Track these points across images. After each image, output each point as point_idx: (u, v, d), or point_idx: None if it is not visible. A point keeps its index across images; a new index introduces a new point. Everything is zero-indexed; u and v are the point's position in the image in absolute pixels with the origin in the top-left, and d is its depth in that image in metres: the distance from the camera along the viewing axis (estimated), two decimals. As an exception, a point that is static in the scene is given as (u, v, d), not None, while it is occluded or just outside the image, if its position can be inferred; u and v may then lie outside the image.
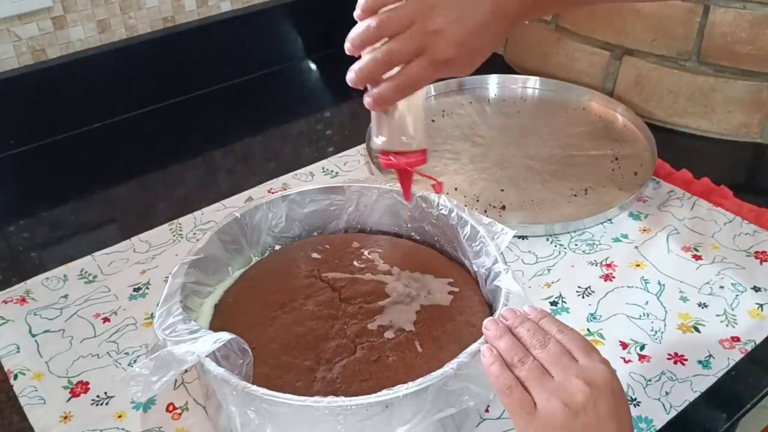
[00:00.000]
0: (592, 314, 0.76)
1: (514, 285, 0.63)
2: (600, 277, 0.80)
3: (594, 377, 0.50)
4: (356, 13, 0.61)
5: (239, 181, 0.96)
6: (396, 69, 0.60)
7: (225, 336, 0.58)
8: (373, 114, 0.65)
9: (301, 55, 1.27)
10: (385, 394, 0.54)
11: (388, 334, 0.65)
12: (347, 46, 0.61)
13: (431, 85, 1.13)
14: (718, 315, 0.76)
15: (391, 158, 0.66)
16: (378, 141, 0.66)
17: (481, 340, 0.57)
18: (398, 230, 0.79)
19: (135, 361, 0.71)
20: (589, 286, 0.79)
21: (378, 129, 0.66)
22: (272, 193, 0.93)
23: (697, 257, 0.83)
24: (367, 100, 0.62)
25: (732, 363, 0.70)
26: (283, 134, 1.10)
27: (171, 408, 0.67)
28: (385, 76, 0.61)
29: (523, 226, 0.85)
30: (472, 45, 0.61)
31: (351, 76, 0.61)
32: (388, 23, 0.59)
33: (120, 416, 0.66)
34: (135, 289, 0.80)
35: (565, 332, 0.54)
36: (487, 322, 0.57)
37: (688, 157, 0.99)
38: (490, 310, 0.68)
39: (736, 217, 0.88)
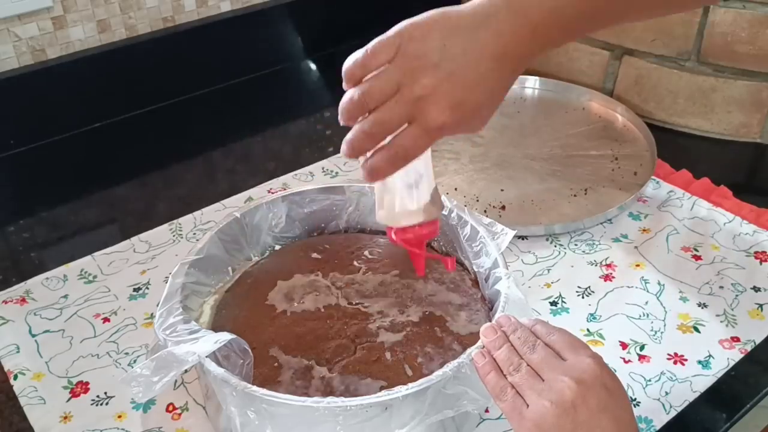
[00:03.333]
0: (591, 314, 0.76)
1: (514, 290, 0.63)
2: (600, 277, 0.80)
3: (582, 373, 0.51)
4: (343, 84, 0.56)
5: (239, 181, 0.96)
6: (389, 138, 0.55)
7: (226, 336, 0.58)
8: (375, 185, 0.60)
9: (301, 55, 1.27)
10: (384, 395, 0.54)
11: (388, 335, 0.65)
12: (339, 117, 0.56)
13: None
14: (717, 315, 0.76)
15: (392, 235, 0.61)
16: (379, 214, 0.61)
17: (479, 344, 0.57)
18: (398, 230, 0.79)
19: (135, 361, 0.71)
20: (589, 286, 0.79)
21: (379, 201, 0.61)
22: (272, 193, 0.93)
23: (697, 257, 0.83)
24: (361, 173, 0.57)
25: (732, 363, 0.70)
26: (283, 134, 1.10)
27: (171, 408, 0.67)
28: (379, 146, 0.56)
29: (523, 226, 0.85)
30: (470, 104, 0.54)
31: (343, 148, 0.56)
32: (370, 93, 0.54)
33: (120, 416, 0.66)
34: (135, 289, 0.80)
35: (553, 333, 0.55)
36: (485, 329, 0.57)
37: (687, 157, 0.99)
38: (490, 310, 0.68)
39: (736, 217, 0.88)
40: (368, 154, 0.57)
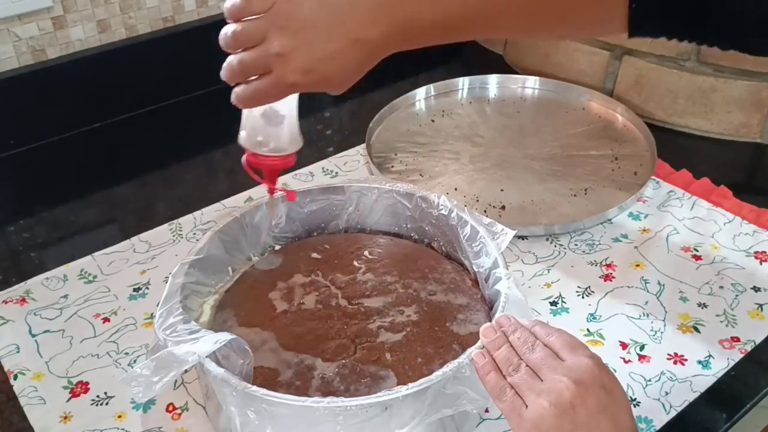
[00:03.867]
0: (591, 314, 0.76)
1: (514, 290, 0.64)
2: (600, 277, 0.80)
3: (580, 374, 0.51)
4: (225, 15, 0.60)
5: (239, 181, 0.96)
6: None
7: (226, 336, 0.58)
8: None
9: (301, 55, 1.26)
10: (384, 395, 0.54)
11: (388, 335, 0.65)
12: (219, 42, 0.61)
13: (431, 85, 1.13)
14: (717, 315, 0.76)
15: (247, 158, 0.66)
16: (241, 135, 0.66)
17: (478, 344, 0.57)
18: (398, 230, 0.79)
19: (135, 361, 0.71)
20: (589, 286, 0.79)
21: (243, 124, 0.66)
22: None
23: (697, 257, 0.83)
24: (232, 95, 0.61)
25: (732, 363, 0.70)
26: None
27: (171, 408, 0.67)
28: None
29: (522, 226, 0.85)
30: (321, 72, 0.59)
31: (221, 71, 0.61)
32: (239, 35, 0.58)
33: (120, 416, 0.66)
34: (135, 289, 0.80)
35: (552, 334, 0.55)
36: (484, 329, 0.57)
37: (687, 157, 0.99)
38: (490, 310, 0.68)
39: (736, 217, 0.88)
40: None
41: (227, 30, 0.59)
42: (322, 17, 0.57)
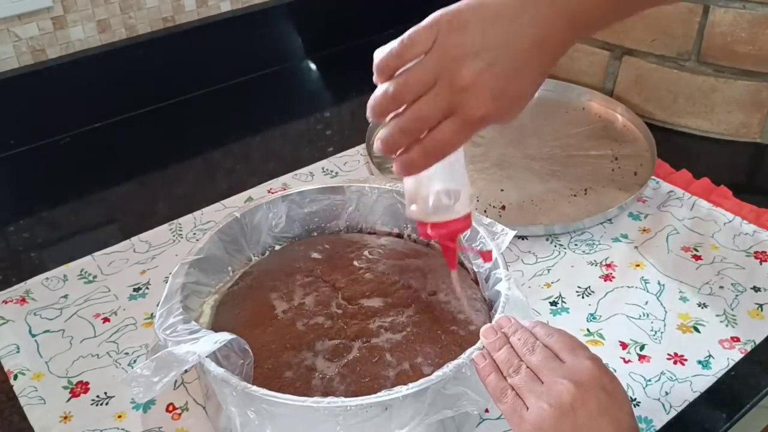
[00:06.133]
0: (591, 314, 0.76)
1: (514, 291, 0.63)
2: (600, 278, 0.80)
3: (580, 375, 0.51)
4: (374, 78, 0.54)
5: (239, 181, 0.96)
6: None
7: (226, 336, 0.58)
8: (405, 179, 0.58)
9: (301, 55, 1.27)
10: (384, 395, 0.54)
11: (389, 335, 0.65)
12: (368, 113, 0.54)
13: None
14: (717, 315, 0.76)
15: (428, 230, 0.59)
16: (411, 210, 0.59)
17: (479, 344, 0.57)
18: (398, 230, 0.79)
19: (135, 361, 0.71)
20: (589, 286, 0.79)
21: (410, 196, 0.59)
22: (272, 193, 0.93)
23: (697, 257, 0.83)
24: (395, 166, 0.55)
25: (732, 363, 0.70)
26: (283, 134, 1.10)
27: (171, 408, 0.67)
28: None
29: (523, 226, 0.85)
30: (511, 93, 0.53)
31: (378, 145, 0.54)
32: (407, 87, 0.52)
33: (120, 416, 0.66)
34: (135, 289, 0.80)
35: (553, 335, 0.55)
36: (485, 330, 0.57)
37: (687, 157, 0.99)
38: (490, 310, 0.68)
39: (736, 217, 0.88)
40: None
41: (386, 89, 0.52)
42: (495, 34, 0.52)
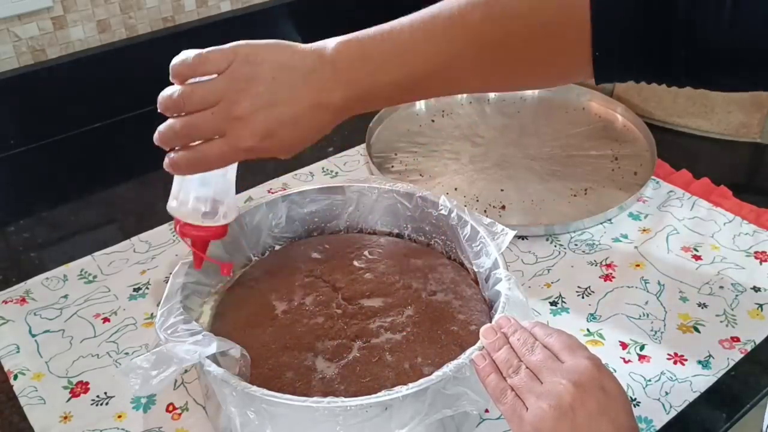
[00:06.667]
0: (591, 314, 0.76)
1: (514, 291, 0.63)
2: (600, 277, 0.80)
3: (579, 376, 0.51)
4: (170, 75, 0.58)
5: (239, 181, 0.96)
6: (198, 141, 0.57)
7: (227, 345, 0.58)
8: (175, 176, 0.62)
9: (301, 55, 1.27)
10: (384, 395, 0.54)
11: (389, 335, 0.65)
12: (158, 105, 0.58)
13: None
14: (717, 315, 0.76)
15: (177, 227, 0.63)
16: (171, 204, 0.62)
17: (479, 344, 0.57)
18: (398, 230, 0.79)
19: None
20: (589, 286, 0.79)
21: (174, 192, 0.62)
22: (272, 193, 0.93)
23: (697, 257, 0.83)
24: (165, 160, 0.59)
25: (732, 363, 0.70)
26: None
27: (171, 408, 0.67)
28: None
29: (523, 226, 0.85)
30: (280, 137, 0.57)
31: (155, 135, 0.58)
32: (190, 98, 0.56)
33: (120, 416, 0.66)
34: (135, 289, 0.80)
35: (552, 335, 0.55)
36: (484, 330, 0.57)
37: (687, 157, 0.99)
38: (490, 310, 0.68)
39: (736, 217, 0.88)
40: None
41: (172, 92, 0.56)
42: (282, 80, 0.56)
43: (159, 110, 0.58)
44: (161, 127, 0.57)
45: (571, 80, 0.62)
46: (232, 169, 0.62)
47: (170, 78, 0.57)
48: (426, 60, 0.58)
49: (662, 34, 0.53)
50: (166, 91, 0.57)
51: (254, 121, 0.56)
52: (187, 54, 0.57)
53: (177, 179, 0.62)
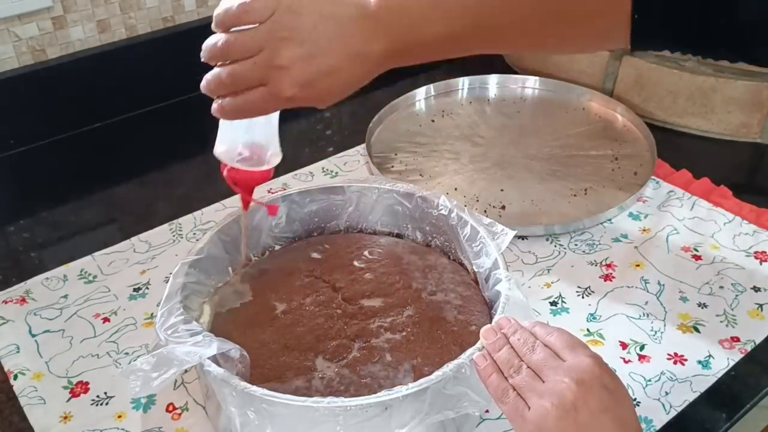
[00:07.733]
0: (591, 314, 0.76)
1: (514, 291, 0.63)
2: (600, 277, 0.80)
3: (581, 374, 0.51)
4: (212, 24, 0.58)
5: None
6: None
7: (227, 345, 0.58)
8: (221, 121, 0.63)
9: (301, 55, 1.26)
10: (384, 395, 0.54)
11: (388, 335, 0.65)
12: (201, 54, 0.58)
13: (431, 85, 1.13)
14: (717, 315, 0.76)
15: (224, 171, 0.65)
16: (218, 149, 0.64)
17: (479, 345, 0.57)
18: (398, 230, 0.79)
19: (135, 361, 0.71)
20: (589, 286, 0.79)
21: (221, 137, 0.64)
22: (272, 193, 0.93)
23: (697, 257, 0.83)
24: (213, 106, 0.60)
25: (732, 363, 0.70)
26: (283, 134, 1.09)
27: (171, 408, 0.67)
28: None
29: (522, 226, 0.85)
30: (320, 86, 0.58)
31: (202, 83, 0.59)
32: (234, 46, 0.56)
33: (120, 416, 0.66)
34: (135, 289, 0.80)
35: (552, 334, 0.55)
36: (485, 331, 0.57)
37: (688, 157, 0.99)
38: (490, 310, 0.68)
39: (736, 217, 0.88)
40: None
41: (216, 40, 0.57)
42: (324, 30, 0.56)
43: (202, 59, 0.58)
44: (208, 76, 0.58)
45: (607, 45, 0.62)
46: (275, 117, 0.64)
47: (212, 27, 0.58)
48: (468, 15, 0.59)
49: (702, 0, 0.53)
50: (210, 40, 0.58)
51: (294, 71, 0.56)
52: (230, 3, 0.57)
53: (224, 125, 0.64)
